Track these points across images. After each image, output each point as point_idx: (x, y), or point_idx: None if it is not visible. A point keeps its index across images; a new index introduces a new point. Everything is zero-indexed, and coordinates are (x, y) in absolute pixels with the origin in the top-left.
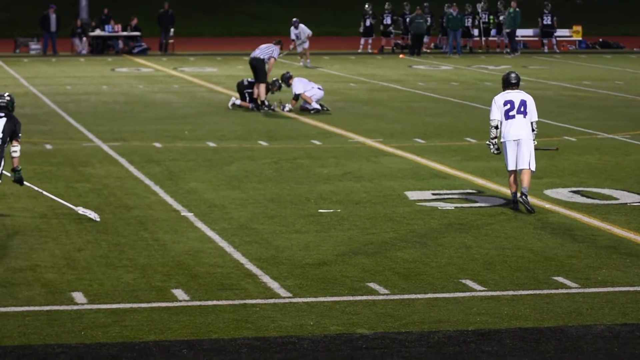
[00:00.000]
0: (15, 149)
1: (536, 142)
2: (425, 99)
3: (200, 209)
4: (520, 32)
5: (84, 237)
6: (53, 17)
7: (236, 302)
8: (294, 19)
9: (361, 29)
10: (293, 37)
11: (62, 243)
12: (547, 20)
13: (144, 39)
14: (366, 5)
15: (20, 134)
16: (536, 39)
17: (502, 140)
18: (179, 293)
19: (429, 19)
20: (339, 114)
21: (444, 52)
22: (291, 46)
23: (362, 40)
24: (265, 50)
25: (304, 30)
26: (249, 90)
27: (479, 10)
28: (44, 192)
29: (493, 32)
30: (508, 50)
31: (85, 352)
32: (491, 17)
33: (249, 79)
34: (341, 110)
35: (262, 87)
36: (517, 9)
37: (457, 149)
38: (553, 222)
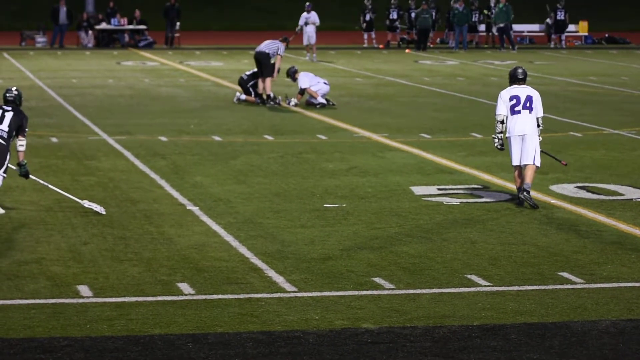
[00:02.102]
0: (22, 143)
1: (541, 139)
2: (431, 94)
3: (205, 203)
4: (526, 27)
5: (90, 230)
6: (63, 10)
7: (241, 296)
8: (308, 3)
9: (364, 25)
10: (302, 21)
11: (68, 236)
12: (561, 16)
13: (150, 33)
14: (365, 0)
15: (27, 129)
16: (542, 34)
17: (507, 135)
18: (184, 287)
19: (434, 13)
20: (344, 109)
21: (450, 47)
22: (297, 28)
23: (365, 35)
24: (271, 45)
25: (314, 16)
26: (252, 83)
27: (491, 5)
28: (50, 186)
29: None
30: (507, 45)
31: (91, 346)
32: None
33: (247, 73)
34: (347, 104)
35: (268, 81)
36: (508, 3)
37: (462, 144)
38: (558, 218)
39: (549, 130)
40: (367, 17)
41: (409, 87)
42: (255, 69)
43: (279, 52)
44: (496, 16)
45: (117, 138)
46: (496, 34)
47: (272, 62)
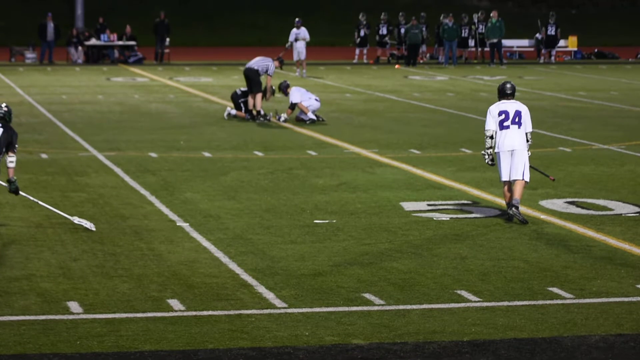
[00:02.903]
0: (12, 159)
1: (530, 153)
2: (421, 109)
3: (195, 219)
4: (515, 43)
5: (80, 246)
6: (50, 25)
7: (232, 312)
8: (297, 19)
9: (357, 40)
10: (292, 37)
11: (58, 252)
12: (551, 31)
13: (139, 49)
14: (360, 16)
15: (17, 145)
16: (532, 49)
17: (496, 150)
18: (174, 303)
19: (424, 29)
20: (334, 125)
21: (439, 62)
22: (287, 44)
23: (357, 51)
24: (261, 63)
25: (304, 32)
26: (244, 100)
27: (476, 21)
28: (40, 202)
29: None
30: (497, 61)
31: None
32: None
33: (242, 89)
34: (337, 120)
35: (258, 97)
36: (501, 19)
37: (452, 159)
38: (548, 233)
39: (538, 145)
40: (362, 33)
41: (398, 103)
42: None
43: (268, 72)
44: (489, 31)
45: (107, 154)
46: (488, 49)
47: (262, 78)
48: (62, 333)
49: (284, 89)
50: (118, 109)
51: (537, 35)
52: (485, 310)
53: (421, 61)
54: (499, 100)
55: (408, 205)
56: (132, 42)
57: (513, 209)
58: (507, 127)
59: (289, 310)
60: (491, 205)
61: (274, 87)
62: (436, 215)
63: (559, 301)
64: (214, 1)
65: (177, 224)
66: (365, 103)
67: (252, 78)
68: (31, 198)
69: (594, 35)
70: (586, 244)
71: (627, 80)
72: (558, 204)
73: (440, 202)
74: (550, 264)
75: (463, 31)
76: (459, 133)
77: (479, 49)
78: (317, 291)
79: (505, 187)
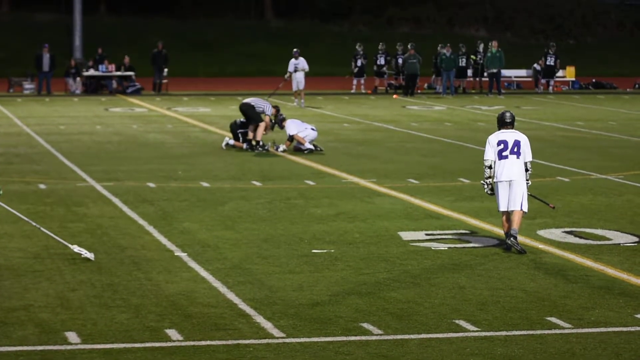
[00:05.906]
0: None
1: (530, 183)
2: (419, 139)
3: (193, 249)
4: (513, 73)
5: (78, 277)
6: (46, 56)
7: (230, 342)
8: (295, 50)
9: (355, 70)
10: (291, 68)
11: (56, 283)
12: (551, 61)
13: (137, 79)
14: (357, 46)
15: None
16: (529, 79)
17: (494, 180)
18: (172, 333)
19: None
20: (332, 154)
21: (437, 92)
22: (286, 75)
23: (355, 81)
24: (258, 102)
25: (303, 62)
26: (242, 131)
27: (480, 50)
28: (41, 228)
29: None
30: (495, 91)
31: None
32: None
33: (242, 119)
34: (335, 150)
35: (261, 127)
36: (500, 49)
37: (450, 189)
38: (546, 263)
39: (536, 175)
40: (359, 63)
41: (396, 133)
42: None
43: (265, 112)
44: (489, 61)
45: (105, 184)
46: (486, 79)
47: (262, 116)
48: None
49: (280, 122)
50: (116, 139)
51: (535, 65)
52: (484, 340)
53: (419, 91)
54: (499, 129)
55: (406, 235)
56: (131, 73)
57: (511, 238)
58: (506, 157)
59: (287, 340)
60: (489, 235)
61: (273, 122)
62: (434, 245)
63: (558, 331)
64: (212, 31)
65: (175, 254)
66: (363, 133)
67: (248, 111)
68: (8, 208)
69: (591, 66)
70: (584, 274)
71: (625, 110)
72: (556, 234)
73: (438, 232)
74: (548, 294)
75: (460, 61)
76: (457, 163)
77: (477, 79)
78: (315, 321)
79: (504, 217)
